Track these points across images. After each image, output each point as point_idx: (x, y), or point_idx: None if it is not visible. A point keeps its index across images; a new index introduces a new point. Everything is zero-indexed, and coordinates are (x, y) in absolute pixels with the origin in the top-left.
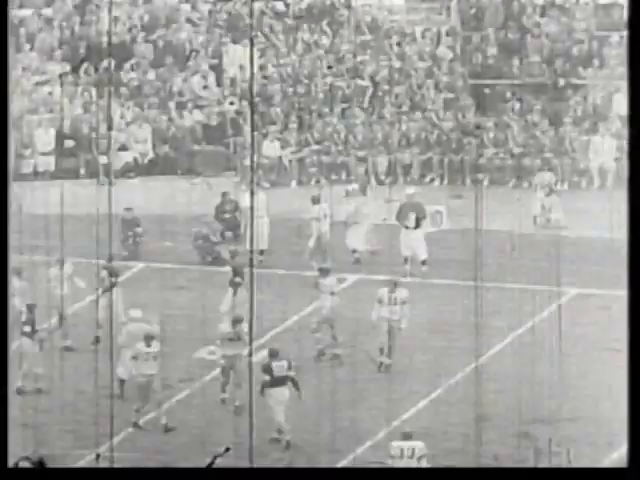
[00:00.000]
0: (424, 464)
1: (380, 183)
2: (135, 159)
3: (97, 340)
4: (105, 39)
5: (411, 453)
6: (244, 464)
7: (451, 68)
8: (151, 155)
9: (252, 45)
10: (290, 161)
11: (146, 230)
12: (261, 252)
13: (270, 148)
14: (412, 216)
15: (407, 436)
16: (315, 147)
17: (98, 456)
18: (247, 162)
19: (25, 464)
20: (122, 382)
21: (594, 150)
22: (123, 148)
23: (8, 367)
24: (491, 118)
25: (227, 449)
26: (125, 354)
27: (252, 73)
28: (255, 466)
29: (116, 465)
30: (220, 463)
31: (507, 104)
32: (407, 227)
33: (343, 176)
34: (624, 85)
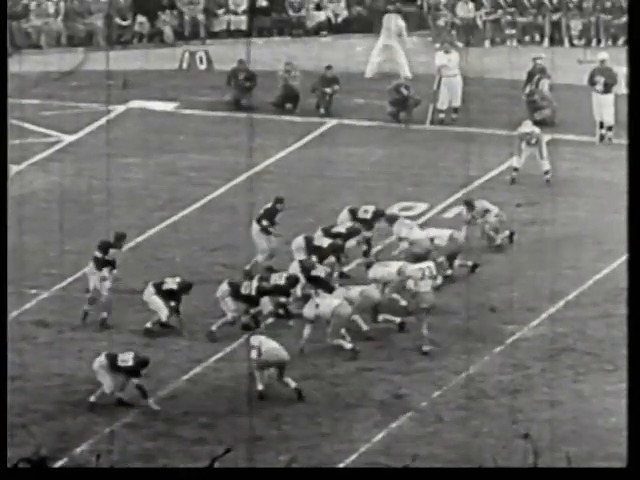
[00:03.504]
0: None
1: (573, 46)
2: (328, 18)
3: None
4: None
5: None
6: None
7: None
8: (345, 14)
9: None
10: (484, 22)
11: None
12: (455, 110)
13: (464, 9)
14: (601, 80)
15: None
16: (510, 8)
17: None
18: (440, 22)
19: (25, 465)
20: None
21: None
22: (317, 8)
23: (7, 367)
24: None
25: (227, 450)
26: None
27: None
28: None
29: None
30: (220, 463)
31: None
32: (597, 91)
33: (537, 37)
34: None
